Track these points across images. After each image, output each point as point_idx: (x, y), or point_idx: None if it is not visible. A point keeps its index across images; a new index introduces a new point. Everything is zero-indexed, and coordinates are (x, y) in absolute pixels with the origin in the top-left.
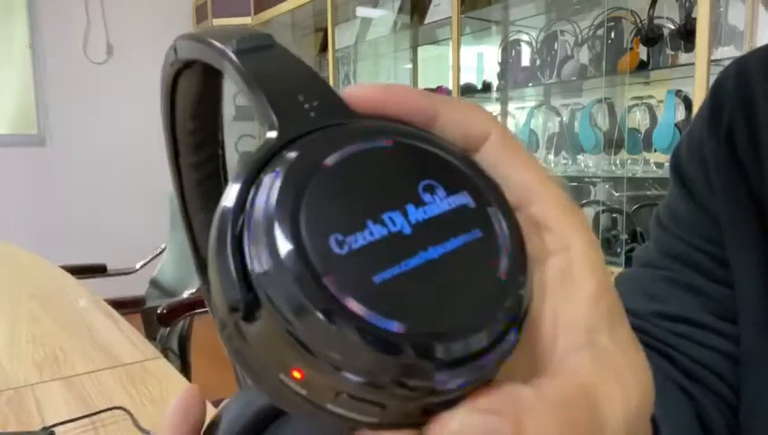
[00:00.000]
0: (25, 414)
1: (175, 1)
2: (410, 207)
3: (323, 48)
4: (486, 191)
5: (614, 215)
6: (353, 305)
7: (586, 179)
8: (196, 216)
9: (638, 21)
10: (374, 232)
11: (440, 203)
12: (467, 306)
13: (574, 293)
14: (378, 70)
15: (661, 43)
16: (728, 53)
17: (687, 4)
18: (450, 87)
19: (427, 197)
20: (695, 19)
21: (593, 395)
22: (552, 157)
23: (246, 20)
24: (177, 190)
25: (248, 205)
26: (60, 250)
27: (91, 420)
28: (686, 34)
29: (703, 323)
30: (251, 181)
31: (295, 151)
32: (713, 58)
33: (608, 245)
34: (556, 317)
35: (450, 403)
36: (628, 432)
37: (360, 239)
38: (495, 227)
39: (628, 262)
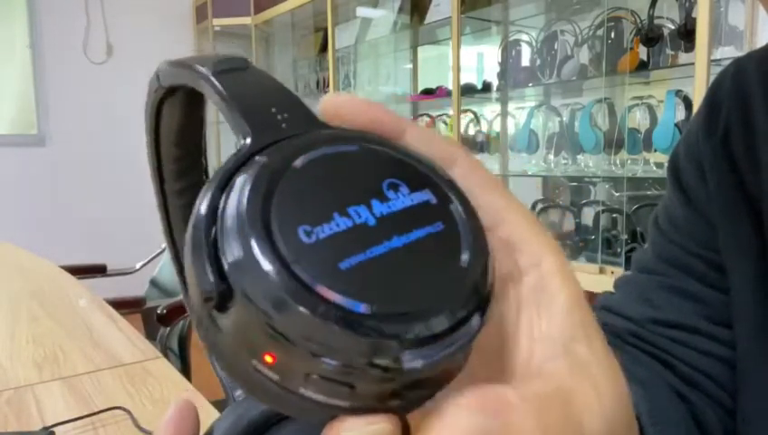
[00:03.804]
0: (25, 414)
1: (175, 1)
2: (375, 202)
3: (323, 48)
4: (448, 190)
5: (614, 215)
6: (321, 289)
7: (586, 179)
8: (181, 240)
9: (638, 21)
10: (340, 223)
11: (403, 199)
12: (431, 290)
13: (549, 306)
14: (378, 70)
15: (661, 43)
16: (728, 53)
17: (687, 4)
18: (450, 87)
19: (390, 193)
20: (695, 19)
21: (570, 397)
22: (552, 157)
23: (246, 20)
24: (162, 215)
25: (221, 205)
26: (60, 250)
27: (90, 420)
28: (686, 34)
29: (699, 329)
30: (224, 185)
31: (266, 156)
32: (713, 58)
33: (608, 245)
34: (532, 330)
35: (419, 385)
36: (609, 433)
37: (327, 230)
38: (457, 221)
39: (628, 262)
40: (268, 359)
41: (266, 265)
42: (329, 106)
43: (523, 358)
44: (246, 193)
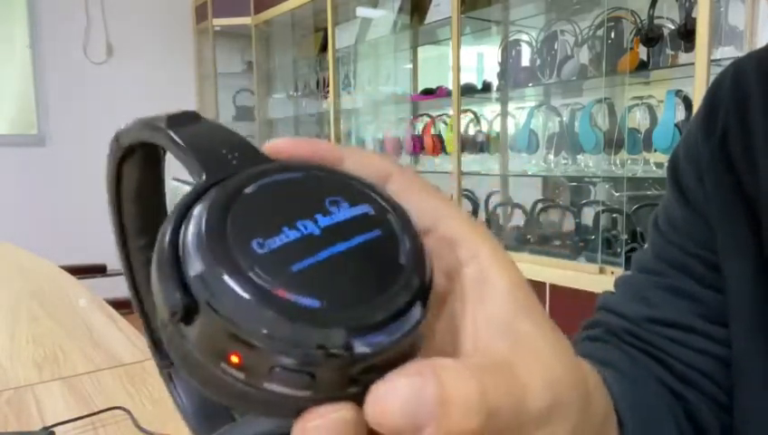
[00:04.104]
0: (25, 414)
1: (175, 1)
2: (319, 216)
3: (323, 48)
4: (384, 202)
5: (614, 215)
6: (276, 290)
7: (586, 179)
8: (147, 297)
9: (638, 21)
10: (289, 235)
11: (344, 212)
12: (374, 285)
13: (490, 292)
14: (378, 70)
15: (661, 43)
16: (728, 53)
17: (687, 4)
18: (450, 87)
19: (333, 208)
20: (695, 19)
21: (512, 368)
22: (551, 157)
23: (246, 20)
24: (125, 271)
25: (182, 231)
26: (60, 250)
27: (90, 420)
28: (686, 34)
29: (695, 328)
30: (183, 216)
31: (219, 187)
32: (713, 58)
33: (608, 245)
34: (476, 317)
35: (373, 370)
36: (555, 397)
37: (277, 241)
38: (393, 227)
39: (628, 262)
40: (234, 359)
41: (225, 275)
42: (272, 146)
43: (470, 343)
44: (204, 217)
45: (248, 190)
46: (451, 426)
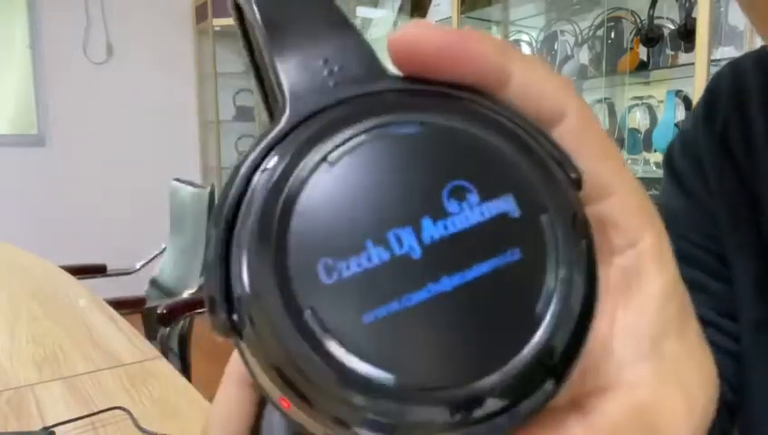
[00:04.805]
0: (25, 414)
1: (175, 1)
2: (426, 221)
3: None
4: (547, 189)
5: None
6: (333, 348)
7: None
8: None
9: (638, 21)
10: (373, 257)
11: (469, 213)
12: (481, 352)
13: (639, 295)
14: None
15: (661, 43)
16: (728, 53)
17: (687, 4)
18: None
19: (452, 205)
20: (695, 19)
21: (652, 417)
22: None
23: None
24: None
25: (239, 216)
26: (60, 250)
27: (90, 420)
28: (686, 34)
29: (704, 319)
30: (245, 183)
31: (294, 144)
32: (713, 58)
33: None
34: (615, 321)
35: None
36: (692, 431)
37: (354, 265)
38: (547, 244)
39: None
40: (283, 404)
41: (274, 310)
42: (399, 47)
43: (601, 351)
44: (260, 207)
45: (332, 158)
46: None
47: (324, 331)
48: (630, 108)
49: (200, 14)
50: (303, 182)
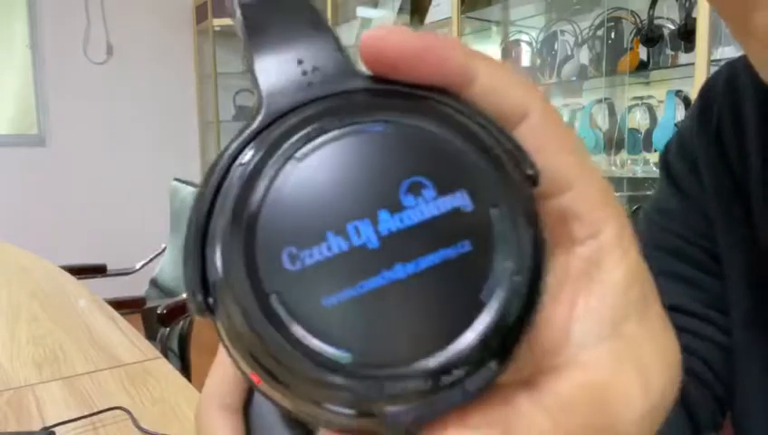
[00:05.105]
0: (25, 414)
1: (175, 1)
2: (383, 214)
3: None
4: (500, 185)
5: None
6: (296, 329)
7: None
8: None
9: (638, 21)
10: (333, 246)
11: (425, 208)
12: (429, 334)
13: (600, 282)
14: None
15: (661, 43)
16: (728, 53)
17: (687, 4)
18: None
19: (408, 200)
20: (695, 19)
21: (605, 395)
22: None
23: None
24: None
25: (218, 202)
26: (60, 250)
27: (90, 420)
28: (686, 34)
29: (694, 312)
30: (222, 176)
31: (267, 141)
32: (713, 58)
33: None
34: (574, 307)
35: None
36: (640, 430)
37: (316, 254)
38: (495, 237)
39: None
40: (255, 379)
41: (242, 295)
42: (368, 49)
43: (558, 335)
44: (233, 198)
45: (300, 154)
46: None
47: (288, 314)
48: (630, 108)
49: (200, 14)
50: (274, 177)
